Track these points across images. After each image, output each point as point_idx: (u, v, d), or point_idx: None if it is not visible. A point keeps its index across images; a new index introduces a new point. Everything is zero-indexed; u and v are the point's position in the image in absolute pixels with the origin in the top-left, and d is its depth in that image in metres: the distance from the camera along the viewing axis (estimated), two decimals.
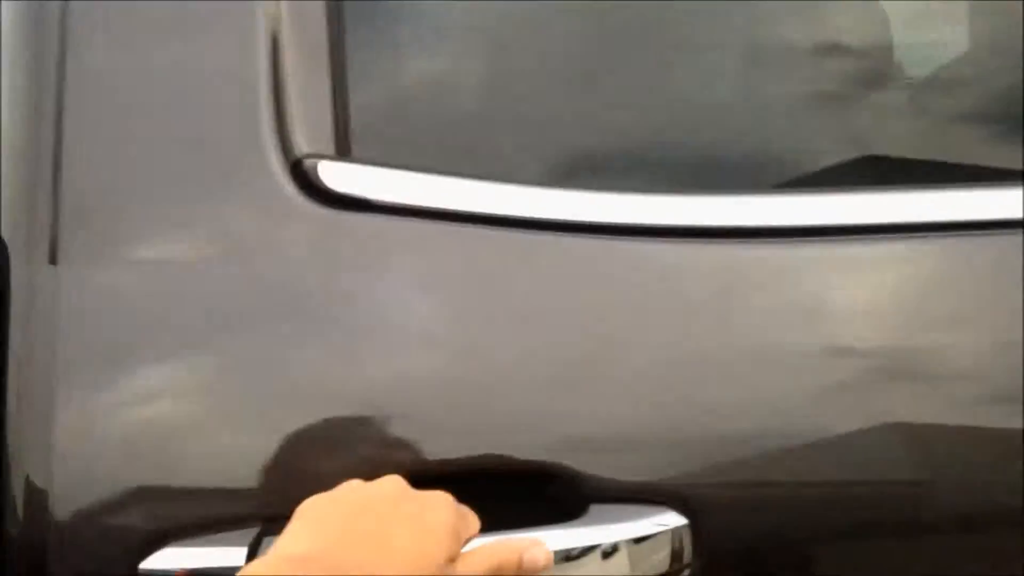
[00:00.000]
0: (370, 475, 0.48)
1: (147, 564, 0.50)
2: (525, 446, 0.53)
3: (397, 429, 0.53)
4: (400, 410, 0.53)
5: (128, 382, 0.52)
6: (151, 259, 0.54)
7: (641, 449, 0.55)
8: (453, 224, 0.57)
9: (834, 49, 0.67)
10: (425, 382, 0.54)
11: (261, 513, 0.51)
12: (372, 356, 0.54)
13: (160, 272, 0.54)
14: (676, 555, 0.53)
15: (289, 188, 0.56)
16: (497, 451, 0.53)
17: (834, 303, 0.58)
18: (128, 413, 0.52)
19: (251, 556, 0.50)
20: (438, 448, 0.53)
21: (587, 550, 0.51)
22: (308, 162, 0.56)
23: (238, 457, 0.52)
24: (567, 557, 0.50)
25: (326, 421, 0.53)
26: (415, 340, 0.55)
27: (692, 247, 0.58)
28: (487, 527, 0.48)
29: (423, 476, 0.48)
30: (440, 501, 0.45)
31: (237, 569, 0.49)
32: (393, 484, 0.46)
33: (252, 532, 0.50)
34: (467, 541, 0.46)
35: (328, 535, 0.42)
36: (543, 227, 0.57)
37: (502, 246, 0.57)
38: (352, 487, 0.46)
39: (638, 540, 0.52)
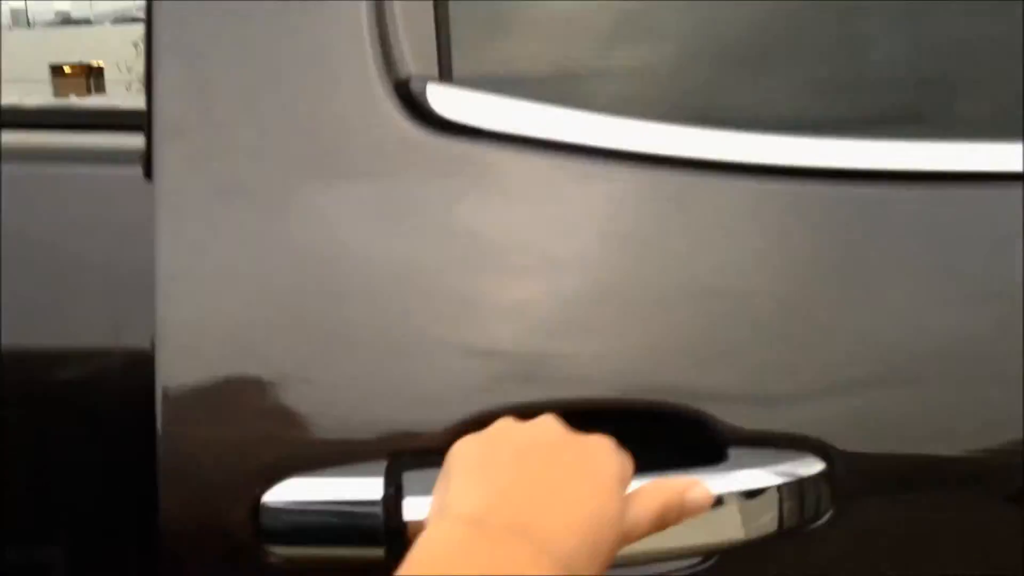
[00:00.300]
0: (522, 414, 0.45)
1: (269, 497, 0.48)
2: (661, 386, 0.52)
3: (520, 366, 0.51)
4: (521, 343, 0.51)
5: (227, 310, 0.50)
6: (248, 183, 0.51)
7: None
8: (561, 155, 0.54)
9: None
10: (536, 316, 0.52)
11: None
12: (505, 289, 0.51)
13: (258, 194, 0.51)
14: None
15: (393, 110, 0.52)
16: (639, 390, 0.52)
17: None
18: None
19: (390, 493, 0.48)
20: (584, 385, 0.51)
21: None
22: (415, 84, 0.53)
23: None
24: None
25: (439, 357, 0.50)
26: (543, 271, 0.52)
27: None
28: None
29: (574, 414, 0.46)
30: (603, 445, 0.43)
31: (369, 502, 0.47)
32: (552, 426, 0.44)
33: (382, 464, 0.48)
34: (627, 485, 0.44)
35: (498, 487, 0.39)
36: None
37: (622, 179, 0.54)
38: (507, 429, 0.43)
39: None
